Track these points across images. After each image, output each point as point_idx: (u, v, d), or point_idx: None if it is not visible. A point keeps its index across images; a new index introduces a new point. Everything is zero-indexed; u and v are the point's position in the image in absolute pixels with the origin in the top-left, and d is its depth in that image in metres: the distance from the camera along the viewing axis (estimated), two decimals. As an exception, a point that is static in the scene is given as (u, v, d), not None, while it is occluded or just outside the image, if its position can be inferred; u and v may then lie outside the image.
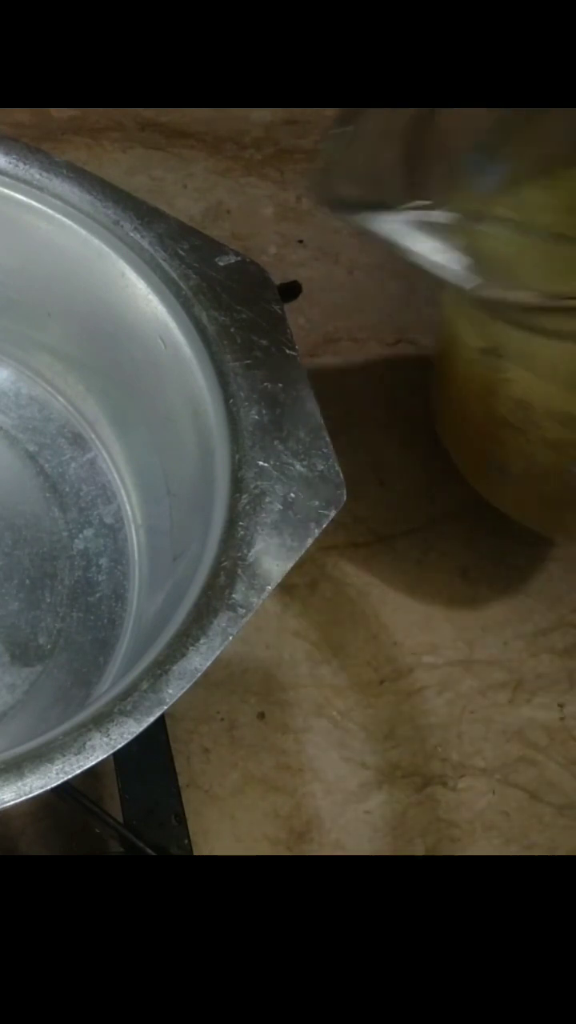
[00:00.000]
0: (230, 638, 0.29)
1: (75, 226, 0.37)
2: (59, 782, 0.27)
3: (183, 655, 0.29)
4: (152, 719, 0.28)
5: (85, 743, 0.27)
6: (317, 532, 0.32)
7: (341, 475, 0.33)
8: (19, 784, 0.26)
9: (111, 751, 0.27)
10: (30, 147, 0.38)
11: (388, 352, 0.56)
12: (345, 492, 0.33)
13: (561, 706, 0.48)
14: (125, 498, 0.41)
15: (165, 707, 0.28)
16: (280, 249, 0.57)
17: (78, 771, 0.27)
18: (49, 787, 0.26)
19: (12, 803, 0.26)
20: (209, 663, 0.29)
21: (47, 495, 0.41)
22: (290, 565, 0.31)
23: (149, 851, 0.37)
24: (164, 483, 0.39)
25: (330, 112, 0.37)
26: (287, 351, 0.35)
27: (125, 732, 0.27)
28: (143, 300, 0.37)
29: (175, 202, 0.56)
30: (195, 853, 0.39)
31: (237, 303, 0.36)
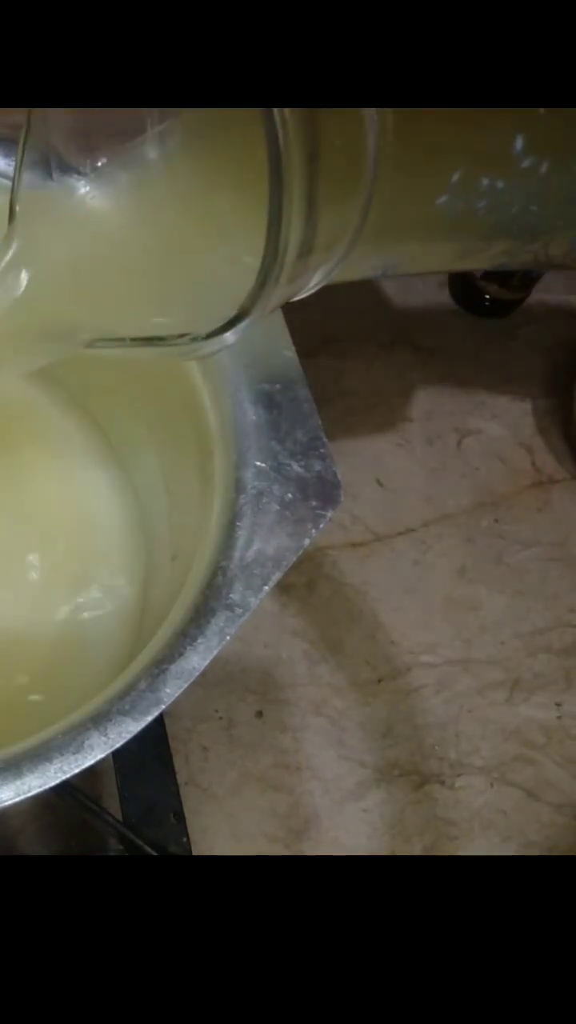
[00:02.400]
0: (228, 638, 0.29)
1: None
2: (57, 781, 0.27)
3: (181, 654, 0.29)
4: (150, 718, 0.28)
5: (83, 742, 0.27)
6: (314, 532, 0.32)
7: (338, 476, 0.33)
8: (17, 783, 0.26)
9: (109, 750, 0.27)
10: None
11: (386, 352, 0.56)
12: (342, 493, 0.33)
13: (558, 705, 0.48)
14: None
15: (163, 706, 0.28)
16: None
17: (76, 770, 0.27)
18: (47, 786, 0.27)
19: (11, 802, 0.26)
20: (207, 663, 0.29)
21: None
22: (287, 565, 0.31)
23: (148, 849, 0.37)
24: (162, 483, 0.39)
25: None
26: (285, 352, 0.35)
27: (123, 731, 0.27)
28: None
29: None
30: (194, 851, 0.39)
31: (235, 304, 0.36)
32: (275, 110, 0.22)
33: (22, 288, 0.30)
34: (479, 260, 0.33)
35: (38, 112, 0.29)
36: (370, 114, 0.24)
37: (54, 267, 0.30)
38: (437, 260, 0.32)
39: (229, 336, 0.25)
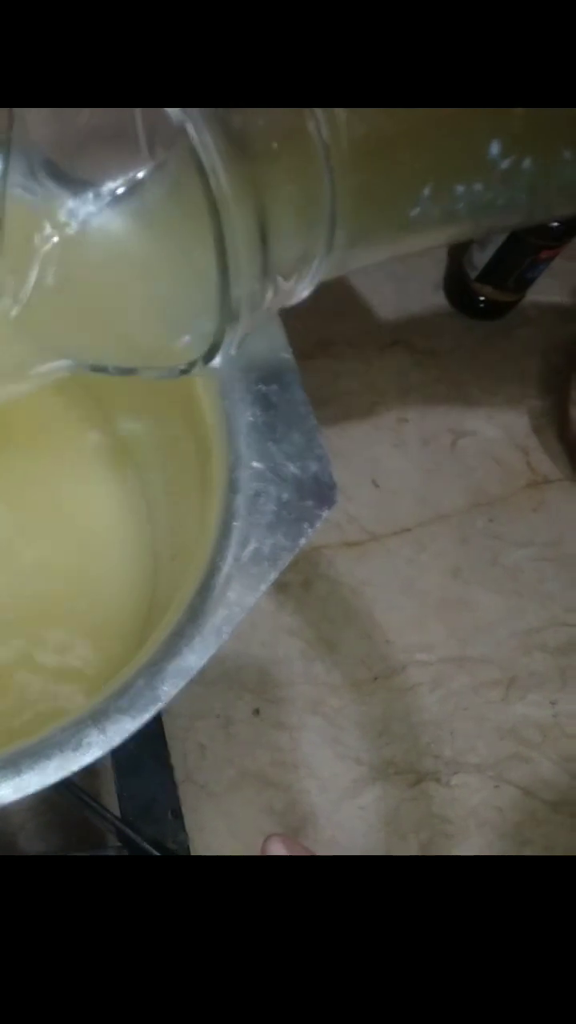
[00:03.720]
0: (225, 637, 0.30)
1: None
2: (56, 779, 0.27)
3: (178, 653, 0.29)
4: (148, 716, 0.28)
5: (82, 740, 0.27)
6: (310, 532, 0.32)
7: (334, 477, 0.33)
8: (17, 781, 0.27)
9: (108, 748, 0.27)
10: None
11: (383, 354, 0.57)
12: (337, 493, 0.33)
13: (553, 703, 0.48)
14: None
15: (161, 704, 0.28)
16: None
17: (75, 768, 0.27)
18: (46, 784, 0.27)
19: (10, 800, 0.26)
20: (204, 662, 0.29)
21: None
22: (284, 564, 0.31)
23: (146, 846, 0.37)
24: (162, 483, 0.39)
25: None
26: (281, 353, 0.35)
27: (121, 729, 0.28)
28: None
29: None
30: (191, 848, 0.40)
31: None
32: (210, 173, 0.21)
33: (13, 304, 0.30)
34: (473, 235, 0.32)
35: (18, 120, 0.29)
36: (321, 149, 0.23)
37: (43, 287, 0.30)
38: (424, 246, 0.31)
39: (216, 361, 0.25)
